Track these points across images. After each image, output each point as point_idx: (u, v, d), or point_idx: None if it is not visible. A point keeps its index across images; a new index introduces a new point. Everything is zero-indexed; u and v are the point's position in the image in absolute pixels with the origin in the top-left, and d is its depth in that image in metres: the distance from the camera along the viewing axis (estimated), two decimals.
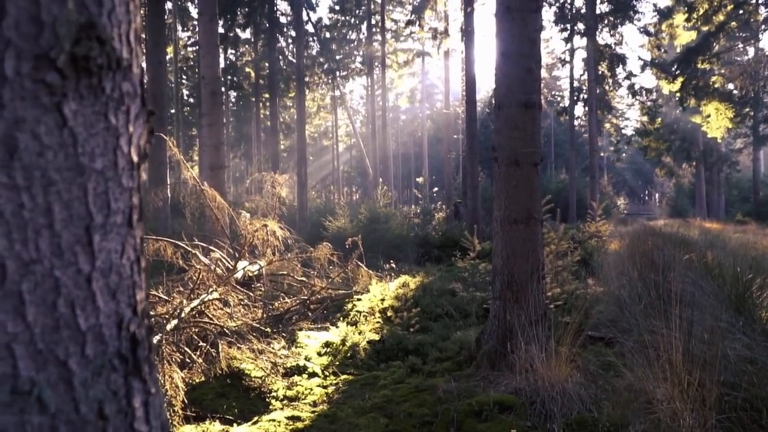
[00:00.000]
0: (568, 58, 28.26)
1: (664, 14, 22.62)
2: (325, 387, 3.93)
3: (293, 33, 25.26)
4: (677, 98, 22.65)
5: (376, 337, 4.96)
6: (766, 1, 18.95)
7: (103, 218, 0.62)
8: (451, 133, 29.66)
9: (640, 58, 25.87)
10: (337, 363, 4.46)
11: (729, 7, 18.53)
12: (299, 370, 4.20)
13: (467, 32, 15.32)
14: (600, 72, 25.47)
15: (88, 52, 0.59)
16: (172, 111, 26.23)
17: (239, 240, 6.20)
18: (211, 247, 6.24)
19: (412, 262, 10.39)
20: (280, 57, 26.66)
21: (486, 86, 49.33)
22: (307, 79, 25.20)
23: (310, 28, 26.87)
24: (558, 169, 41.46)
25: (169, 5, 23.00)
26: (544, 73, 32.49)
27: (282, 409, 3.52)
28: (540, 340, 3.51)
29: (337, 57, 29.88)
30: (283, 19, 26.35)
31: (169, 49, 22.95)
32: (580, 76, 28.73)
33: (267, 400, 3.69)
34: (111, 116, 0.63)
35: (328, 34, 29.38)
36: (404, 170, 53.37)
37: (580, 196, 26.23)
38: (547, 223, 5.57)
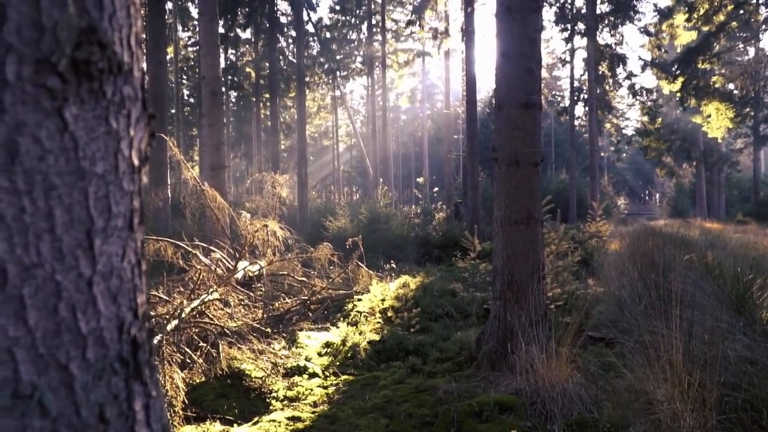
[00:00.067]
0: (568, 58, 28.27)
1: (665, 14, 22.62)
2: (325, 387, 3.93)
3: (294, 33, 25.27)
4: (678, 98, 22.65)
5: (377, 337, 4.96)
6: (766, 1, 18.94)
7: (104, 222, 0.62)
8: (451, 133, 29.66)
9: (640, 58, 25.88)
10: (338, 363, 4.46)
11: (729, 7, 18.52)
12: (300, 371, 4.20)
13: (467, 32, 15.31)
14: (600, 72, 25.47)
15: (89, 56, 0.59)
16: (173, 111, 26.24)
17: (240, 240, 6.20)
18: (212, 248, 6.24)
19: (412, 263, 10.39)
20: (281, 57, 26.66)
21: (486, 86, 49.38)
22: (307, 79, 25.21)
23: (310, 28, 26.89)
24: (558, 169, 41.45)
25: (169, 5, 23.01)
26: (544, 73, 32.49)
27: (282, 409, 3.52)
28: (540, 340, 3.51)
29: (338, 57, 29.89)
30: (283, 19, 26.37)
31: (170, 49, 22.96)
32: (581, 76, 28.74)
33: (267, 400, 3.69)
34: (112, 120, 0.63)
35: (328, 34, 29.38)
36: (404, 170, 53.37)
37: (581, 196, 26.22)
38: (547, 223, 5.57)
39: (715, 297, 4.48)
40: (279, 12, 25.37)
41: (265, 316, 5.47)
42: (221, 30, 20.63)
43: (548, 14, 26.83)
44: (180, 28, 27.72)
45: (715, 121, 20.57)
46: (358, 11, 28.62)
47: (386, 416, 3.19)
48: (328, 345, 4.87)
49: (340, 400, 3.62)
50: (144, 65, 0.71)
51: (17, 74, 0.55)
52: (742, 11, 18.88)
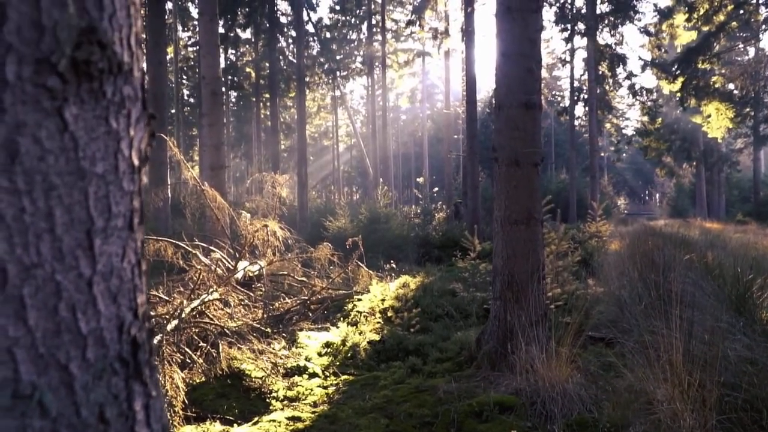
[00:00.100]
0: (568, 58, 28.28)
1: (665, 14, 22.62)
2: (325, 387, 3.93)
3: (294, 33, 25.27)
4: (678, 98, 22.65)
5: (377, 337, 4.96)
6: (766, 1, 18.94)
7: (104, 222, 0.62)
8: (451, 133, 29.66)
9: (640, 58, 25.88)
10: (338, 363, 4.46)
11: (729, 7, 18.52)
12: (300, 371, 4.20)
13: (467, 32, 15.32)
14: (600, 72, 25.47)
15: (89, 56, 0.59)
16: (173, 111, 26.24)
17: (240, 240, 6.20)
18: (212, 248, 6.24)
19: (412, 262, 10.39)
20: (281, 57, 26.66)
21: (486, 86, 49.36)
22: (307, 79, 25.20)
23: (310, 28, 26.89)
24: (558, 169, 41.45)
25: (169, 5, 23.01)
26: (544, 73, 32.50)
27: (282, 409, 3.52)
28: (540, 340, 3.51)
29: (338, 57, 29.89)
30: (283, 19, 26.37)
31: (170, 49, 22.96)
32: (581, 76, 28.74)
33: (267, 400, 3.69)
34: (112, 120, 0.63)
35: (328, 34, 29.38)
36: (404, 170, 53.37)
37: (581, 196, 26.23)
38: (547, 223, 5.57)
39: (715, 297, 4.49)
40: (279, 12, 25.39)
41: (265, 316, 5.47)
42: (221, 30, 20.64)
43: (548, 14, 26.86)
44: (180, 28, 27.73)
45: (715, 121, 20.57)
46: (358, 11, 28.62)
47: (386, 416, 3.19)
48: (328, 345, 4.87)
49: (340, 400, 3.62)
50: (144, 65, 0.71)
51: (17, 74, 0.55)
52: (742, 11, 18.89)
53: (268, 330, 5.06)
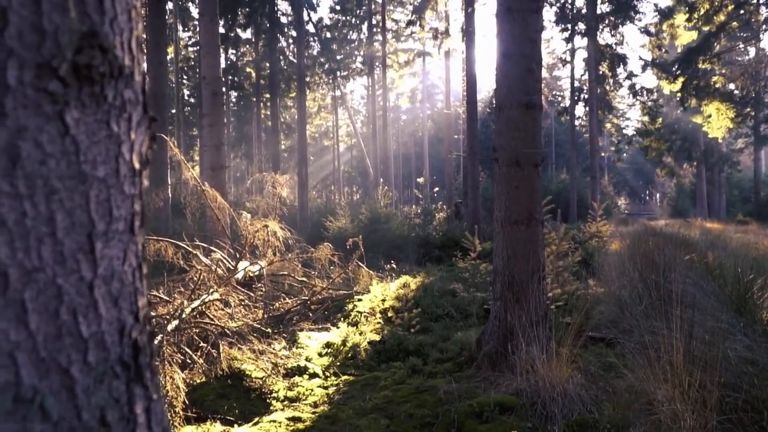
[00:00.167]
0: (568, 58, 28.29)
1: (665, 14, 22.60)
2: (325, 388, 3.94)
3: (294, 33, 25.27)
4: (678, 98, 22.63)
5: (377, 337, 4.96)
6: (766, 1, 18.93)
7: (105, 226, 0.63)
8: (451, 133, 29.66)
9: (640, 58, 25.85)
10: (338, 364, 4.47)
11: (730, 7, 18.51)
12: (300, 371, 4.20)
13: (468, 32, 15.31)
14: (601, 72, 25.46)
15: (91, 60, 0.59)
16: (173, 111, 26.24)
17: (240, 240, 6.20)
18: (212, 248, 6.24)
19: (412, 263, 10.39)
20: (281, 57, 26.67)
21: (487, 86, 49.28)
22: (307, 79, 25.21)
23: (310, 28, 26.89)
24: (559, 169, 41.44)
25: (169, 5, 23.00)
26: (544, 73, 32.52)
27: (283, 409, 3.52)
28: (541, 341, 3.51)
29: (338, 57, 29.89)
30: (283, 19, 26.37)
31: (170, 50, 22.96)
32: (581, 76, 28.74)
33: (268, 400, 3.69)
34: (113, 124, 0.63)
35: (328, 34, 29.39)
36: (405, 170, 53.35)
37: (581, 196, 26.22)
38: (547, 223, 5.57)
39: (715, 297, 4.49)
40: (279, 12, 25.39)
41: (265, 316, 5.47)
42: (222, 30, 20.65)
43: (549, 14, 26.83)
44: (180, 28, 27.73)
45: (716, 121, 20.56)
46: (358, 11, 28.63)
47: (387, 417, 3.19)
48: (328, 345, 4.88)
49: (341, 401, 3.62)
50: (145, 68, 0.71)
51: (18, 79, 0.55)
52: (742, 11, 18.88)
53: (269, 330, 5.06)
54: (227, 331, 4.41)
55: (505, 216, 3.93)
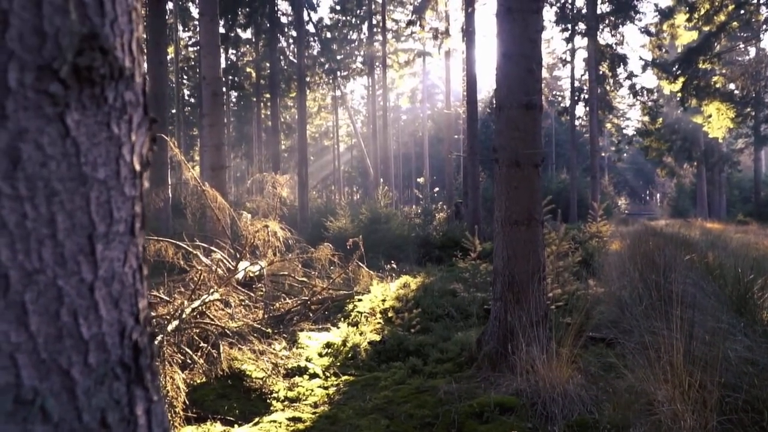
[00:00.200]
0: (569, 58, 28.29)
1: (666, 14, 22.60)
2: (326, 388, 3.94)
3: (294, 33, 25.28)
4: (678, 98, 22.64)
5: (377, 337, 4.96)
6: (767, 2, 18.92)
7: (106, 227, 0.63)
8: (452, 133, 29.66)
9: (641, 58, 25.85)
10: (338, 364, 4.47)
11: (730, 7, 18.51)
12: (300, 371, 4.20)
13: (468, 32, 15.32)
14: (601, 72, 25.46)
15: (91, 62, 0.59)
16: (173, 111, 26.24)
17: (240, 240, 6.20)
18: (212, 248, 6.25)
19: (413, 263, 10.39)
20: (281, 57, 26.67)
21: (487, 86, 49.29)
22: (308, 79, 25.21)
23: (311, 28, 26.90)
24: (559, 169, 41.42)
25: (170, 5, 23.00)
26: (545, 73, 32.48)
27: (283, 410, 3.52)
28: (541, 341, 3.51)
29: (338, 57, 29.90)
30: (284, 19, 26.38)
31: (170, 50, 22.95)
32: (581, 76, 28.73)
33: (268, 401, 3.69)
34: (113, 125, 0.63)
35: (329, 34, 29.40)
36: (405, 170, 53.34)
37: (581, 196, 26.22)
38: (548, 223, 5.56)
39: (715, 298, 4.49)
40: (279, 12, 25.40)
41: (265, 316, 5.47)
42: (222, 30, 20.65)
43: (549, 14, 26.82)
44: (181, 28, 27.72)
45: (716, 121, 20.56)
46: (358, 11, 28.63)
47: (387, 417, 3.19)
48: (328, 345, 4.88)
49: (341, 401, 3.62)
50: (145, 69, 0.71)
51: (19, 81, 0.55)
52: (742, 11, 18.88)
53: (269, 330, 5.06)
54: (227, 332, 4.41)
55: (505, 216, 3.94)
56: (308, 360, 4.48)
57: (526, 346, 3.49)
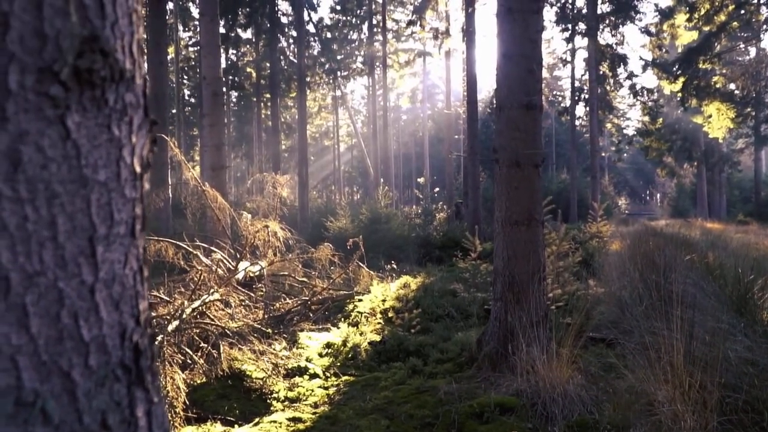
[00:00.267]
0: (569, 58, 28.30)
1: (666, 14, 22.60)
2: (326, 388, 3.94)
3: (294, 33, 25.27)
4: (678, 98, 22.64)
5: (377, 338, 4.96)
6: (767, 1, 18.92)
7: (107, 229, 0.63)
8: (452, 133, 29.66)
9: (641, 58, 25.86)
10: (338, 364, 4.47)
11: (730, 8, 18.51)
12: (300, 371, 4.20)
13: (468, 32, 15.32)
14: (601, 72, 25.46)
15: (92, 64, 0.59)
16: (173, 111, 26.24)
17: (240, 241, 6.20)
18: (213, 248, 6.25)
19: (413, 263, 10.39)
20: (282, 57, 26.67)
21: (487, 86, 49.24)
22: (308, 79, 25.21)
23: (311, 28, 26.90)
24: (559, 169, 41.41)
25: (170, 5, 23.00)
26: (545, 73, 32.46)
27: (283, 410, 3.52)
28: (541, 341, 3.51)
29: (339, 57, 29.90)
30: (284, 20, 26.38)
31: (171, 50, 22.94)
32: (582, 76, 28.74)
33: (268, 401, 3.69)
34: (114, 128, 0.63)
35: (329, 34, 29.40)
36: (405, 170, 53.33)
37: (582, 196, 26.21)
38: (548, 223, 5.57)
39: (716, 298, 4.49)
40: (280, 12, 25.40)
41: (265, 316, 5.47)
42: (222, 30, 20.66)
43: (549, 14, 26.82)
44: (181, 28, 27.71)
45: (716, 121, 20.56)
46: (358, 11, 28.63)
47: (387, 417, 3.19)
48: (328, 346, 4.88)
49: (341, 401, 3.62)
50: (145, 70, 0.71)
51: (20, 83, 0.55)
52: (743, 11, 18.88)
53: (269, 331, 5.06)
54: (228, 332, 4.41)
55: (505, 216, 3.94)
56: (308, 360, 4.48)
57: (526, 347, 3.49)
